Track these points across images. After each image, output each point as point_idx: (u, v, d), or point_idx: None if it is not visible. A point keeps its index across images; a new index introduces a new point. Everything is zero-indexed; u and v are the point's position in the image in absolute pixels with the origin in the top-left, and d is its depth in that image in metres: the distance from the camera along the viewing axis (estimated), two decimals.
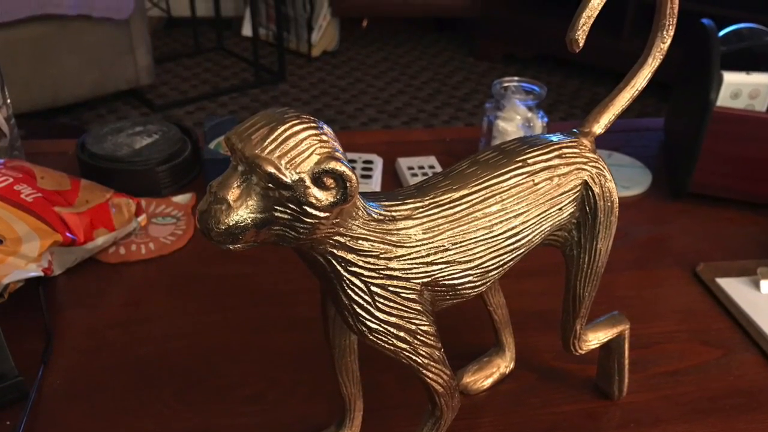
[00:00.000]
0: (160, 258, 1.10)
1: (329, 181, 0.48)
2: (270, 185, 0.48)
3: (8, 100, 1.19)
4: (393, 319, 0.58)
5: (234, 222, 0.48)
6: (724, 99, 1.25)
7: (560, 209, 0.65)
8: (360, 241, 0.54)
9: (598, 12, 0.61)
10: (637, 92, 0.70)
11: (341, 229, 0.53)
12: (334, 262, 0.54)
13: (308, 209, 0.48)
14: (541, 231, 0.65)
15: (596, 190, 0.66)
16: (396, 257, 0.56)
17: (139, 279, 1.06)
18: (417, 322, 0.59)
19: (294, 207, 0.48)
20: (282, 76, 4.11)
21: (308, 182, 0.48)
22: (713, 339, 0.98)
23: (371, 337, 0.58)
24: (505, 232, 0.62)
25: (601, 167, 0.67)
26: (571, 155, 0.65)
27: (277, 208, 0.49)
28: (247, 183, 0.48)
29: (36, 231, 0.97)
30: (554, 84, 4.18)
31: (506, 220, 0.61)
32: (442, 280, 0.59)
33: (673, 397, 0.88)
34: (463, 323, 0.97)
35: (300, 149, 0.48)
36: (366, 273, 0.55)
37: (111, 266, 1.08)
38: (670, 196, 1.34)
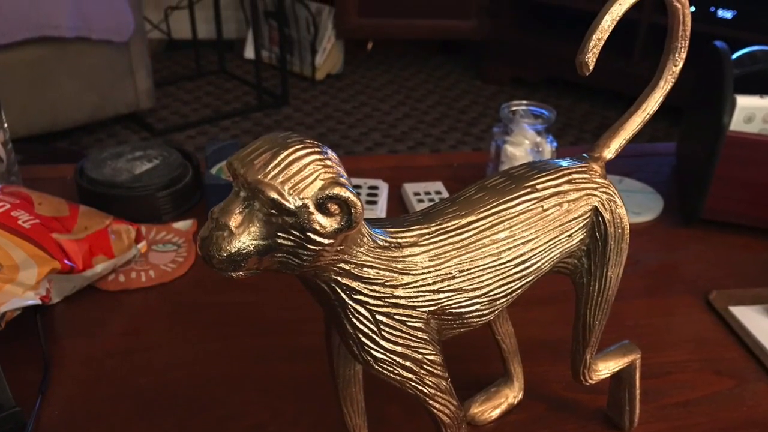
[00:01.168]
0: (161, 286, 1.10)
1: (333, 207, 0.48)
2: (273, 211, 0.48)
3: (5, 125, 1.20)
4: (399, 349, 0.58)
5: (236, 249, 0.48)
6: (737, 123, 1.25)
7: (570, 236, 0.66)
8: (365, 269, 0.55)
9: (608, 34, 0.61)
10: (648, 116, 0.70)
11: (346, 256, 0.53)
12: (338, 289, 0.55)
13: (312, 236, 0.49)
14: (551, 258, 0.65)
15: (606, 216, 0.66)
16: (402, 285, 0.57)
17: (139, 307, 1.06)
18: (423, 351, 0.59)
19: (297, 233, 0.49)
20: (285, 100, 4.12)
21: (312, 208, 0.48)
22: (726, 369, 0.98)
23: (377, 366, 0.58)
24: (513, 259, 0.62)
25: (611, 193, 0.67)
26: (580, 181, 0.66)
27: (280, 234, 0.49)
28: (249, 209, 0.49)
29: (33, 258, 0.98)
30: (563, 108, 4.19)
31: (515, 247, 0.62)
32: (449, 309, 0.60)
33: (684, 428, 0.88)
34: (470, 352, 0.97)
35: (303, 174, 0.48)
36: (371, 301, 0.56)
37: (110, 294, 1.08)
38: (682, 222, 1.35)
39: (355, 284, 0.55)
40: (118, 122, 3.71)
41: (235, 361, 0.95)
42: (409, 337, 0.58)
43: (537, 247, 0.63)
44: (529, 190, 0.63)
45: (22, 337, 0.95)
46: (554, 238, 0.64)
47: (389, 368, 0.58)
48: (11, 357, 0.91)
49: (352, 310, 0.56)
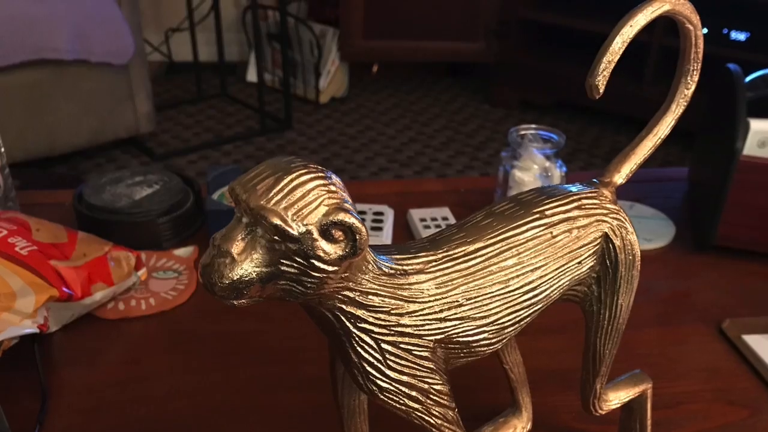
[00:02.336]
0: (161, 314, 1.11)
1: (338, 234, 0.49)
2: (276, 238, 0.48)
3: (2, 149, 1.20)
4: (405, 378, 0.58)
5: (238, 276, 0.49)
6: (750, 147, 1.25)
7: (579, 263, 0.66)
8: (370, 296, 0.55)
9: (619, 56, 0.62)
10: (660, 140, 0.71)
11: (350, 283, 0.53)
12: (342, 318, 0.55)
13: (316, 263, 0.49)
14: (560, 286, 0.65)
15: (617, 242, 0.67)
16: (408, 313, 0.57)
17: (139, 336, 1.06)
18: (430, 381, 0.59)
19: (301, 261, 0.49)
20: (288, 124, 4.13)
21: (316, 235, 0.48)
22: (739, 399, 0.98)
23: (382, 396, 0.58)
24: (522, 286, 0.62)
25: (622, 219, 0.67)
26: (590, 206, 0.66)
27: (284, 261, 0.49)
28: (252, 235, 0.49)
29: (31, 286, 0.98)
30: (573, 132, 4.20)
31: (523, 274, 0.62)
32: (455, 337, 0.60)
33: None
34: (477, 382, 0.97)
35: (307, 200, 0.48)
36: (376, 329, 0.56)
37: (110, 322, 1.08)
38: (694, 249, 1.35)
39: (359, 312, 0.55)
40: (117, 147, 3.72)
41: (238, 391, 0.96)
42: (416, 367, 0.58)
43: (546, 275, 0.63)
44: (537, 216, 0.64)
45: (20, 366, 0.95)
46: (564, 265, 0.65)
47: (395, 398, 0.58)
48: (9, 386, 0.91)
49: (357, 338, 0.56)
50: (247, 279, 0.49)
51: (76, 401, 0.93)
